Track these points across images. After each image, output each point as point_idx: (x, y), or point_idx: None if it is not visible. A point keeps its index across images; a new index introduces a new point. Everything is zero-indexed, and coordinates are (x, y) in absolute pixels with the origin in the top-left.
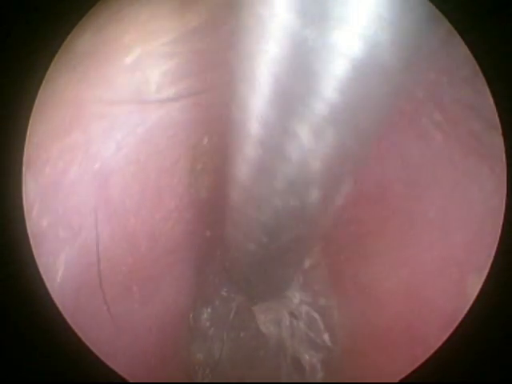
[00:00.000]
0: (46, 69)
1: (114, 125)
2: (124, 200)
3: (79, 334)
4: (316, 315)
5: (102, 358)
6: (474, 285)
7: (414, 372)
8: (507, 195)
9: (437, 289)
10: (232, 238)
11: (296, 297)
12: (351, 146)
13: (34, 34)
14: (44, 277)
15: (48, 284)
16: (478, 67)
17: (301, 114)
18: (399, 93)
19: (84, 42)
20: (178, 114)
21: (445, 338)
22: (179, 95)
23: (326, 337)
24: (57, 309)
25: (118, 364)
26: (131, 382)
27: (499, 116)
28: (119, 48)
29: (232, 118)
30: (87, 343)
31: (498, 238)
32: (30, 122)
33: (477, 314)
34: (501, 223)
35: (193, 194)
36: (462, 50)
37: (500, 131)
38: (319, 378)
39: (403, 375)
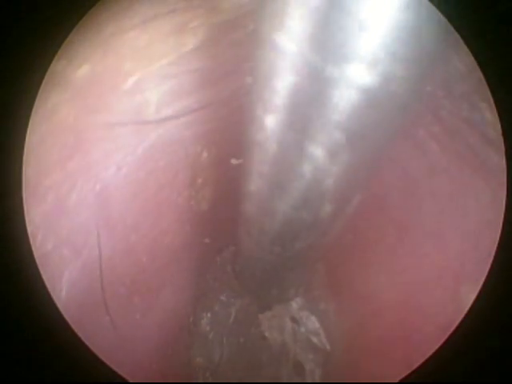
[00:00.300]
0: (46, 69)
1: (115, 146)
2: (124, 217)
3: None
4: (315, 320)
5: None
6: (468, 295)
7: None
8: (507, 195)
9: (432, 297)
10: (244, 245)
11: (297, 302)
12: (364, 165)
13: (33, 34)
14: (51, 293)
15: (54, 299)
16: (477, 81)
17: (317, 138)
18: (410, 118)
19: (83, 72)
20: (177, 131)
21: (437, 346)
22: (178, 113)
23: (325, 341)
24: (64, 320)
25: (118, 367)
26: (131, 382)
27: (499, 117)
28: (118, 75)
29: (249, 137)
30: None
31: (493, 250)
32: (30, 122)
33: (470, 323)
34: (497, 235)
35: (193, 207)
36: (461, 65)
37: (499, 148)
38: (318, 380)
39: (398, 379)
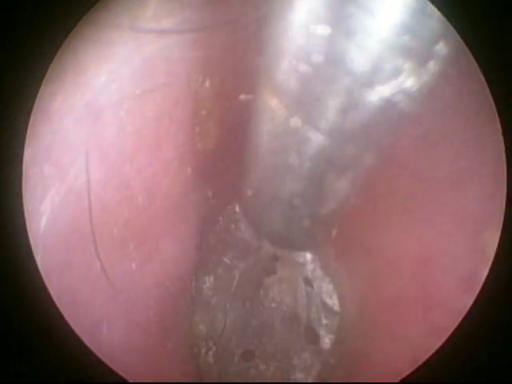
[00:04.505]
0: (47, 69)
1: (107, 52)
2: (118, 141)
3: (70, 295)
4: (329, 280)
5: (98, 327)
6: (492, 242)
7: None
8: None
9: (452, 248)
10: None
11: (309, 261)
12: None
13: (34, 34)
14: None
15: (31, 231)
16: None
17: None
18: None
19: None
20: (177, 49)
21: (466, 299)
22: (177, 29)
23: (338, 303)
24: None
25: (110, 325)
26: (131, 382)
27: (499, 116)
28: None
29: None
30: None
31: None
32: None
33: (498, 274)
34: None
35: (196, 145)
36: None
37: None
38: (331, 345)
39: (422, 340)
